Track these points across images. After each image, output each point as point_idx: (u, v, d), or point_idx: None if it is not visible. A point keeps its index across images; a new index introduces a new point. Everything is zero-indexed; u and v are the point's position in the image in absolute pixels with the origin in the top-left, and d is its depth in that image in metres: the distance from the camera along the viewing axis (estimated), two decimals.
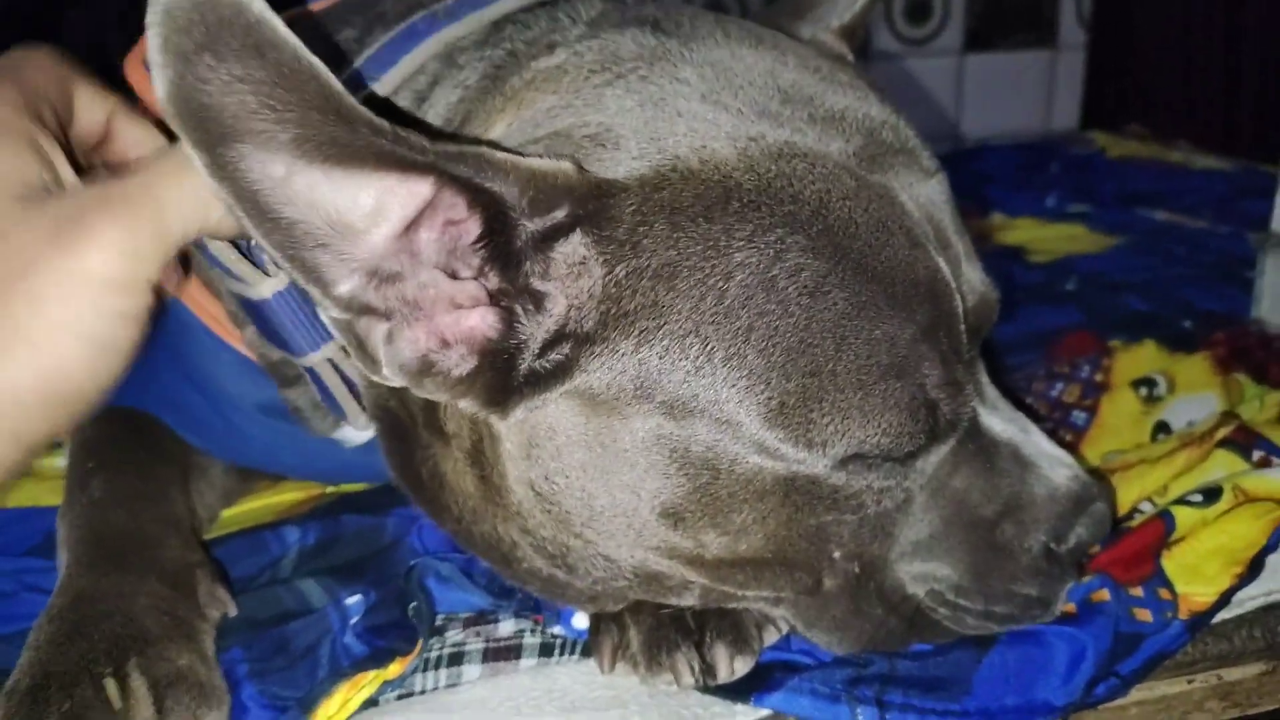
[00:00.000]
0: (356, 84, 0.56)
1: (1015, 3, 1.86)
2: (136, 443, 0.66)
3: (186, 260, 0.61)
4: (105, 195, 0.44)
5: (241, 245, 0.55)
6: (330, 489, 0.75)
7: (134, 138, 0.53)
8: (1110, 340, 0.91)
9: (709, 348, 0.45)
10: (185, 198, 0.44)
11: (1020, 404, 0.57)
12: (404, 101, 0.56)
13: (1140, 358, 0.87)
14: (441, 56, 0.56)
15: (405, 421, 0.54)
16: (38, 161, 0.45)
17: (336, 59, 0.58)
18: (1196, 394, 0.80)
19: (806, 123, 0.49)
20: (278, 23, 0.37)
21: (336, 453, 0.67)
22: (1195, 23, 1.73)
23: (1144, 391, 0.82)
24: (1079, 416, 0.80)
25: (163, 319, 0.63)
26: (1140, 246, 1.19)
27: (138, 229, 0.43)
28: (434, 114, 0.54)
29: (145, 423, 0.67)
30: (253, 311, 0.58)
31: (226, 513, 0.73)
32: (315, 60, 0.38)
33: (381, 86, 0.56)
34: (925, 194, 0.51)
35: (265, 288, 0.56)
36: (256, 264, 0.55)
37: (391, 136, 0.39)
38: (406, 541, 0.65)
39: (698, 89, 0.49)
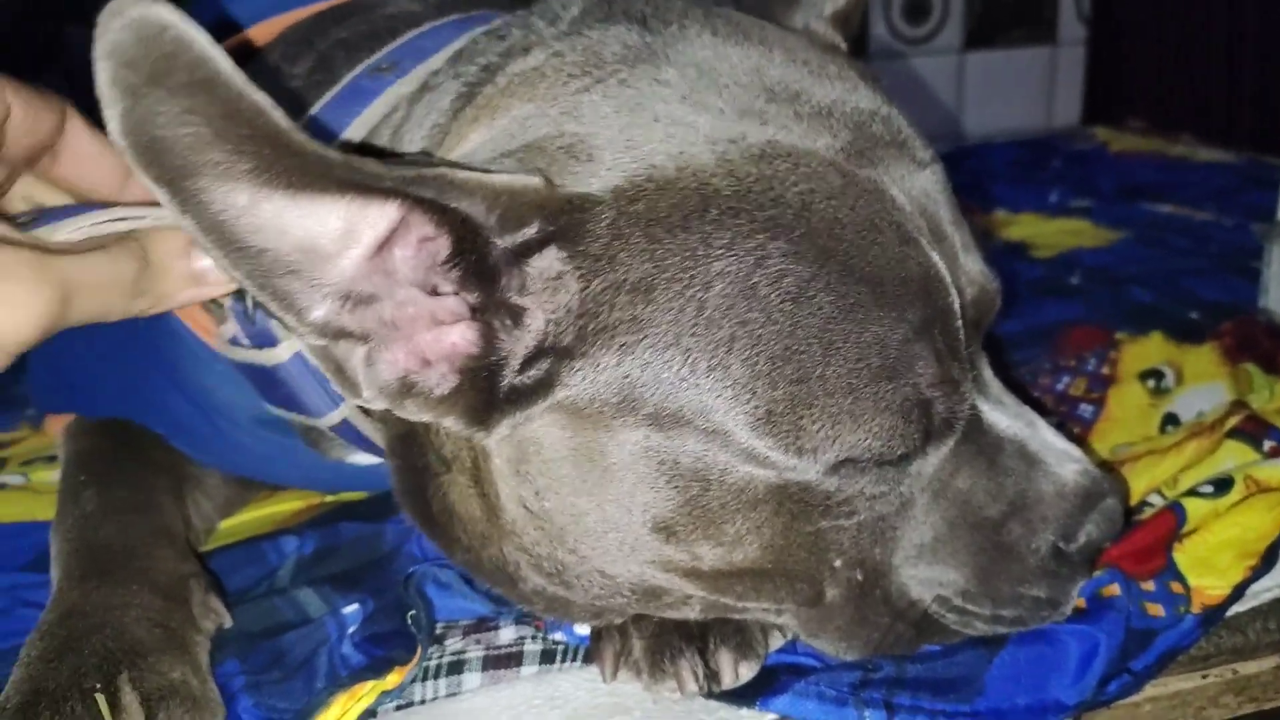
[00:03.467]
0: (322, 130, 0.56)
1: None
2: (129, 455, 0.65)
3: None
4: (15, 257, 0.42)
5: (240, 311, 0.55)
6: (330, 498, 0.75)
7: (86, 150, 0.52)
8: (1116, 333, 0.90)
9: (691, 359, 0.44)
10: (94, 289, 0.43)
11: (1028, 397, 0.56)
12: (384, 135, 0.55)
13: (1147, 350, 0.86)
14: (415, 79, 0.55)
15: (417, 454, 0.54)
16: None
17: (287, 96, 0.58)
18: (1205, 385, 0.79)
19: (792, 120, 0.48)
20: (221, 59, 0.36)
21: (334, 463, 0.66)
22: (1194, 15, 1.72)
23: (1151, 383, 0.81)
24: (1086, 410, 0.79)
25: (153, 331, 0.63)
26: (1144, 240, 1.18)
27: (31, 304, 0.41)
28: (409, 141, 0.54)
29: (139, 435, 0.67)
30: (265, 379, 0.58)
31: (225, 523, 0.72)
32: (261, 95, 0.37)
33: (355, 130, 0.56)
34: (918, 186, 0.50)
35: (282, 350, 0.56)
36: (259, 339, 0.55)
37: (347, 167, 0.39)
38: (405, 549, 0.64)
39: (679, 90, 0.48)
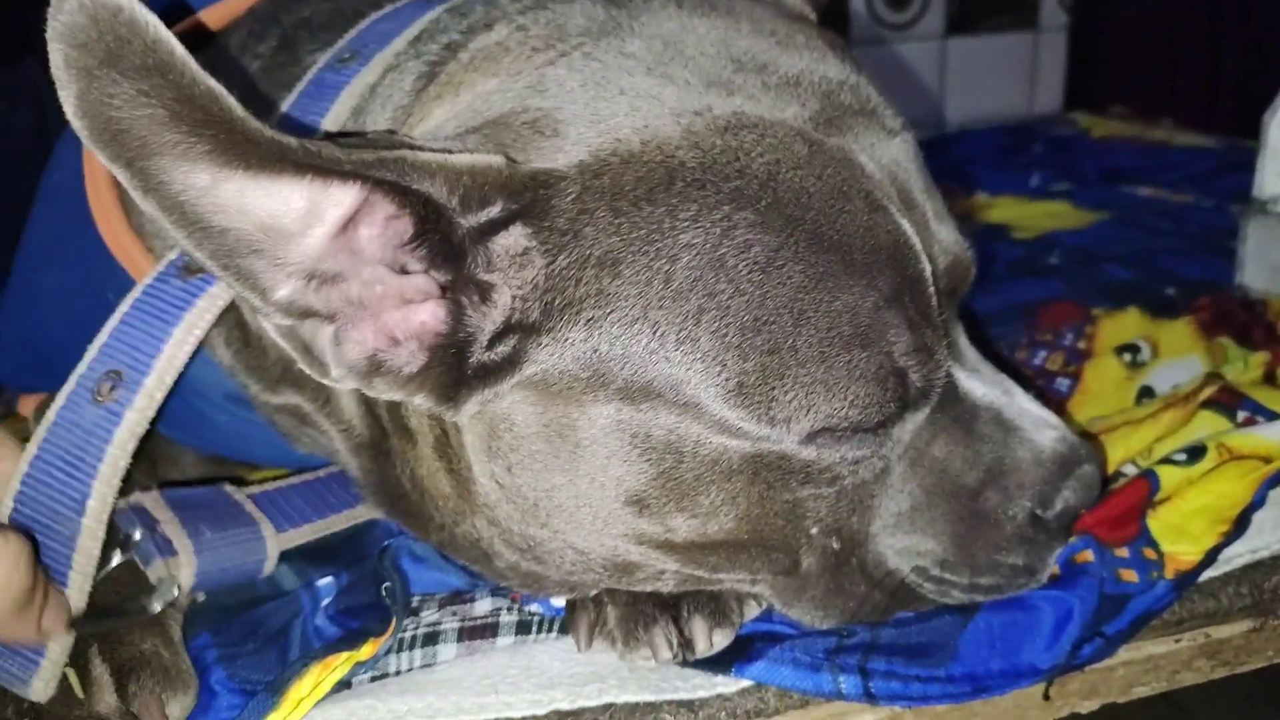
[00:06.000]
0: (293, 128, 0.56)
1: None
2: None
3: None
4: None
5: None
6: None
7: None
8: (1093, 309, 0.91)
9: (660, 332, 0.44)
10: None
11: (1006, 366, 0.56)
12: (348, 123, 0.55)
13: (1123, 324, 0.87)
14: (379, 70, 0.55)
15: (378, 437, 0.54)
16: None
17: (246, 80, 0.58)
18: (1180, 358, 0.80)
19: (759, 90, 0.48)
20: (174, 45, 0.36)
21: None
22: (1174, 2, 1.73)
23: (1127, 357, 0.82)
24: (1062, 383, 0.80)
25: None
26: (1124, 221, 1.19)
27: None
28: (372, 123, 0.53)
29: None
30: None
31: None
32: (214, 82, 0.37)
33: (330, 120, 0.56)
34: (888, 154, 0.49)
35: None
36: None
37: (304, 151, 0.39)
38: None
39: (644, 62, 0.48)
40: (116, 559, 0.51)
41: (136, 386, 0.52)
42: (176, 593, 0.53)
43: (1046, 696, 0.53)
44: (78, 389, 0.52)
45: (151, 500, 0.53)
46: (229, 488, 0.58)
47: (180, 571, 0.52)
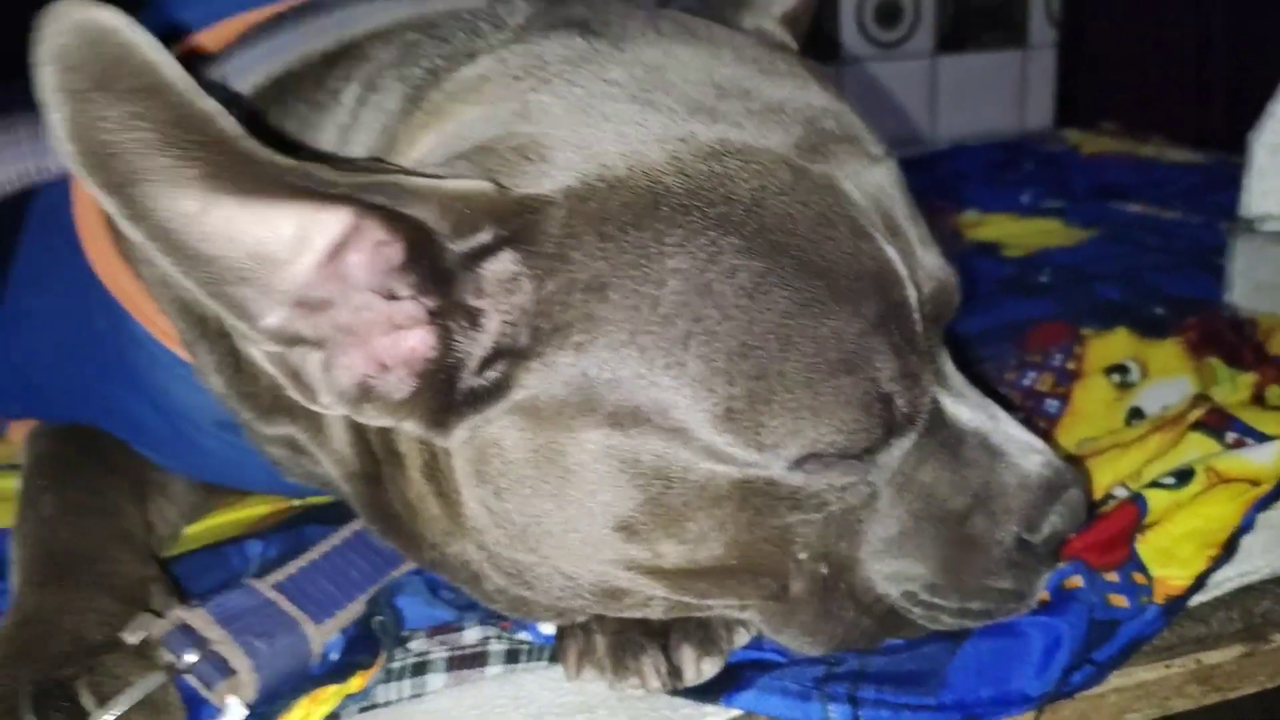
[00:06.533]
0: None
1: (985, 3, 1.87)
2: (90, 459, 0.65)
3: None
4: None
5: None
6: (296, 501, 0.74)
7: None
8: (1082, 329, 0.91)
9: (648, 357, 0.44)
10: None
11: (992, 392, 0.56)
12: (328, 136, 0.55)
13: (1112, 345, 0.87)
14: (363, 82, 0.55)
15: (370, 465, 0.54)
16: None
17: (241, 102, 0.57)
18: (1169, 379, 0.80)
19: (743, 116, 0.48)
20: (168, 64, 0.36)
21: None
22: (1164, 19, 1.74)
23: (1117, 378, 0.82)
24: (1052, 405, 0.80)
25: (114, 336, 0.62)
26: (1113, 238, 1.20)
27: None
28: (358, 143, 0.53)
29: (102, 440, 0.66)
30: None
31: (191, 529, 0.71)
32: (210, 102, 0.37)
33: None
34: (872, 181, 0.50)
35: None
36: None
37: (299, 173, 0.39)
38: None
39: (627, 90, 0.48)
40: (152, 680, 0.51)
41: None
42: (244, 714, 0.52)
43: None
44: None
45: (200, 619, 0.52)
46: (255, 584, 0.57)
47: (242, 691, 0.52)
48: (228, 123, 0.37)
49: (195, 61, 0.64)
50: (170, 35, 0.63)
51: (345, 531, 0.62)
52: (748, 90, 0.49)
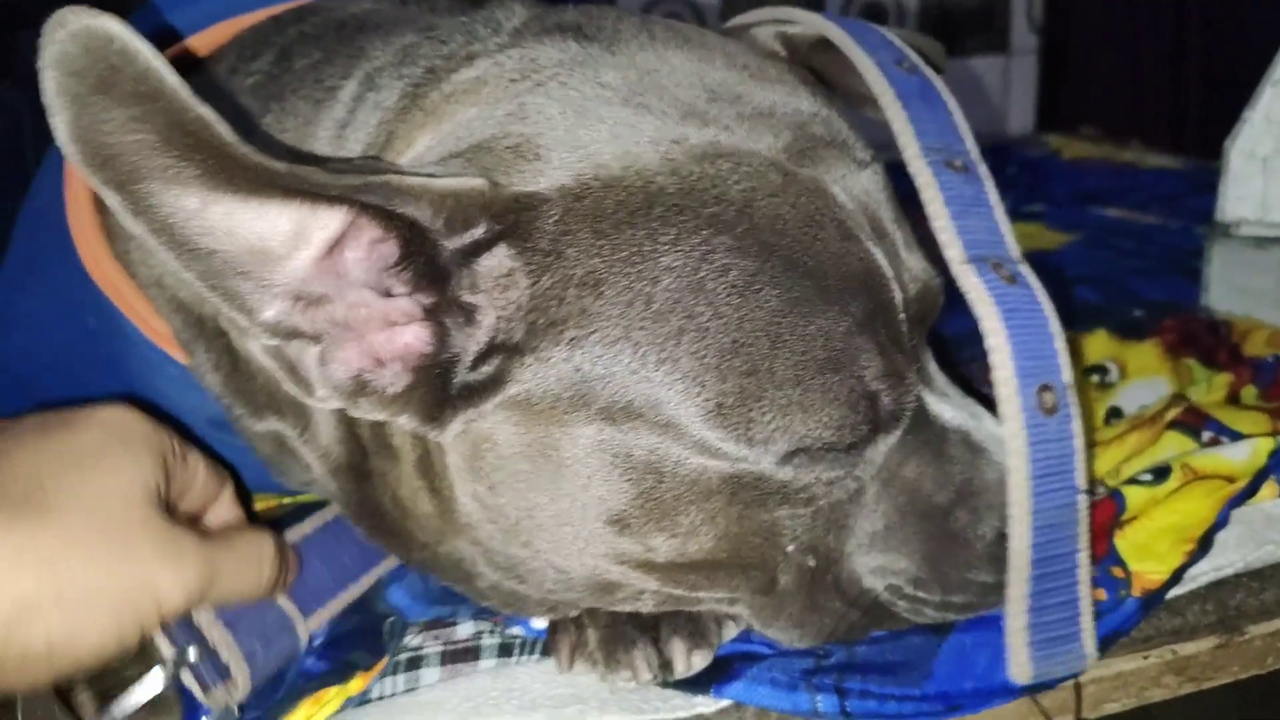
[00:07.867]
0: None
1: (967, 9, 1.89)
2: None
3: None
4: (197, 542, 0.49)
5: None
6: (288, 500, 0.74)
7: (222, 518, 0.56)
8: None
9: (641, 352, 0.45)
10: (233, 575, 0.50)
11: (974, 392, 0.57)
12: (325, 133, 0.56)
13: (1091, 346, 0.88)
14: (361, 81, 0.56)
15: (358, 459, 0.54)
16: (164, 478, 0.50)
17: (235, 107, 0.58)
18: (1147, 379, 0.81)
19: (734, 121, 0.49)
20: (166, 73, 0.37)
21: None
22: (1143, 26, 1.77)
23: (1096, 378, 0.83)
24: None
25: (105, 335, 0.63)
26: (1093, 242, 1.21)
27: (196, 582, 0.48)
28: (355, 140, 0.54)
29: None
30: None
31: None
32: (206, 109, 0.38)
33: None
34: (859, 185, 0.51)
35: None
36: None
37: (293, 177, 0.40)
38: None
39: (621, 93, 0.49)
40: (156, 676, 0.50)
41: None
42: (235, 716, 0.52)
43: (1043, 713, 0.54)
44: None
45: (206, 620, 0.52)
46: None
47: (234, 694, 0.52)
48: (222, 128, 0.38)
49: (189, 65, 0.64)
50: (163, 39, 0.64)
51: (337, 507, 0.62)
52: (739, 95, 0.50)
